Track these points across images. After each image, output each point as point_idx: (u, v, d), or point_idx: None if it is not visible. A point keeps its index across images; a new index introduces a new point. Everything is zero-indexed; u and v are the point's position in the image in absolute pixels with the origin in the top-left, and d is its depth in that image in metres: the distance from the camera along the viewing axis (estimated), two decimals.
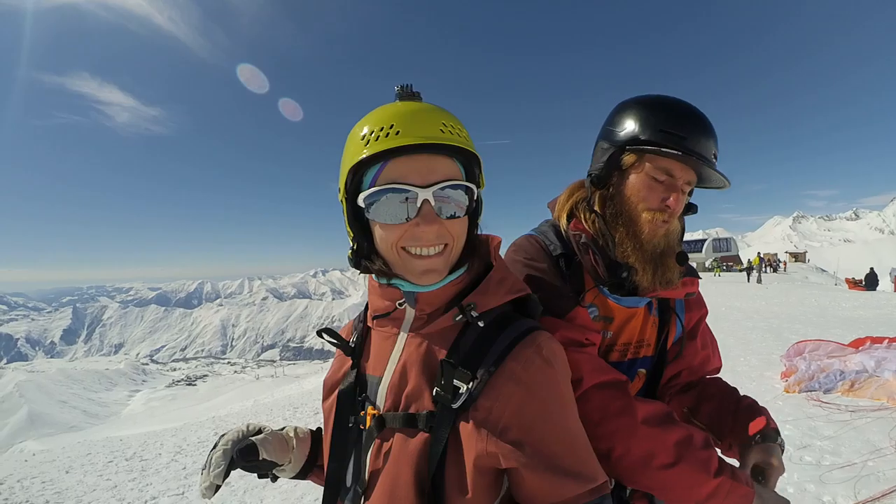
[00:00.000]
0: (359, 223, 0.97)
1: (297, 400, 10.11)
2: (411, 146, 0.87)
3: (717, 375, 1.62)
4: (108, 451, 6.08)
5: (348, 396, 1.05)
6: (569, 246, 1.38)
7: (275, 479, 1.22)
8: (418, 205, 0.89)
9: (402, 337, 1.01)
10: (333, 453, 1.04)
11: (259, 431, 1.19)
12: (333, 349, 1.05)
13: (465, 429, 0.88)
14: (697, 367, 1.53)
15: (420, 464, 0.89)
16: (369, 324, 1.09)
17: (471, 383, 0.87)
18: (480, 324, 0.93)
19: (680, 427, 1.16)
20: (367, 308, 1.13)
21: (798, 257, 50.24)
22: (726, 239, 50.85)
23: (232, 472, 1.10)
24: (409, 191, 0.89)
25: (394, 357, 1.01)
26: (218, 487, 1.08)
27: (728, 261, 46.99)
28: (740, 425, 1.34)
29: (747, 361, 7.92)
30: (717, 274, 37.52)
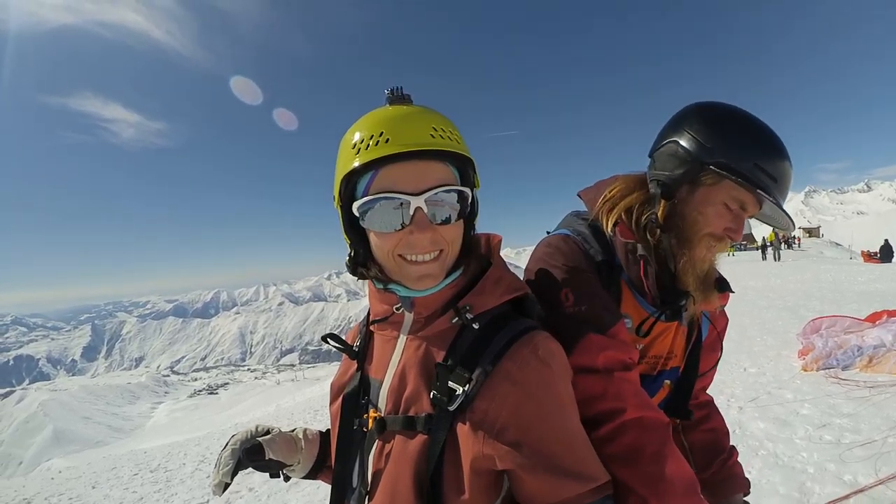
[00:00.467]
0: (355, 230, 0.98)
1: (318, 402, 10.22)
2: (402, 153, 0.88)
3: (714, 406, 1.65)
4: (133, 464, 6.18)
5: (353, 399, 1.09)
6: (610, 251, 1.29)
7: (287, 478, 1.27)
8: (411, 212, 0.90)
9: (402, 340, 1.04)
10: (339, 455, 1.08)
11: (267, 432, 1.22)
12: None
13: (463, 430, 0.90)
14: (708, 377, 1.55)
15: (419, 465, 0.91)
16: (371, 327, 1.12)
17: (467, 385, 0.89)
18: (475, 326, 0.95)
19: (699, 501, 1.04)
20: (369, 312, 1.15)
21: (812, 232, 49.67)
22: None
23: (244, 471, 1.15)
24: (401, 199, 0.89)
25: (394, 360, 1.03)
26: (227, 485, 1.13)
27: (743, 240, 46.51)
28: (722, 483, 1.42)
29: (763, 341, 7.85)
30: (730, 253, 37.05)
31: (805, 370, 6.05)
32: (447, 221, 0.93)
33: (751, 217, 1.26)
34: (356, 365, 1.12)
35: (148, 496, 4.96)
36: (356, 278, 1.05)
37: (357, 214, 0.94)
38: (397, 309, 1.02)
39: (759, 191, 1.13)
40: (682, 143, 1.22)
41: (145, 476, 5.58)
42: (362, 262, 1.01)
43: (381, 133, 0.89)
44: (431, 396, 0.92)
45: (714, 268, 1.32)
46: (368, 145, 0.89)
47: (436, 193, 0.90)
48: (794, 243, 36.76)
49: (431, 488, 0.89)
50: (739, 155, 1.15)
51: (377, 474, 0.98)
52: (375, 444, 0.99)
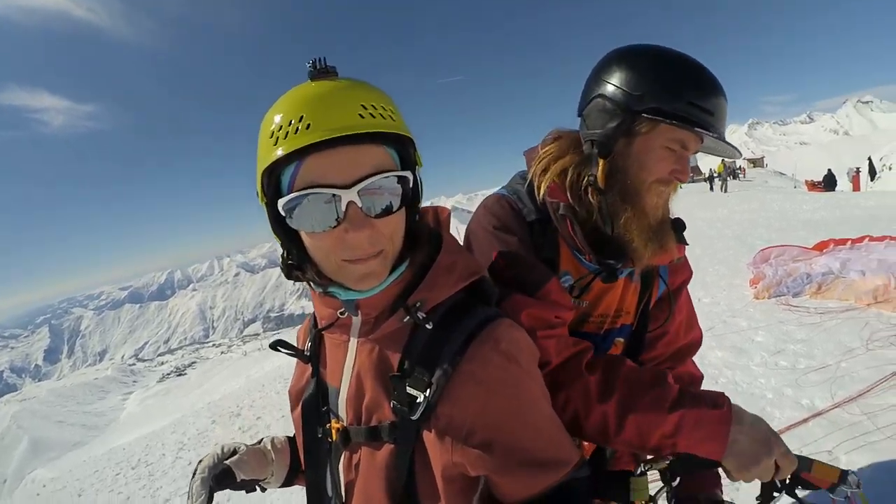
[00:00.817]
0: (284, 229, 0.86)
1: (286, 370, 10.10)
2: (327, 140, 0.76)
3: (696, 371, 1.60)
4: (114, 464, 6.11)
5: (312, 407, 1.02)
6: (544, 211, 1.28)
7: (263, 489, 1.22)
8: (343, 207, 0.79)
9: (353, 343, 0.96)
10: (308, 464, 1.04)
11: (234, 452, 1.16)
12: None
13: (429, 438, 0.85)
14: (673, 335, 1.49)
15: (390, 476, 0.87)
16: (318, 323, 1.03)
17: (427, 391, 0.82)
18: (429, 326, 0.86)
19: (624, 374, 1.12)
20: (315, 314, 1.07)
21: (756, 163, 51.16)
22: None
23: (215, 495, 1.09)
24: (330, 193, 0.78)
25: (347, 366, 0.97)
26: None
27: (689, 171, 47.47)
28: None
29: (716, 271, 8.09)
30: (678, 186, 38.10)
31: (757, 298, 6.24)
32: (387, 212, 0.82)
33: (694, 153, 1.24)
34: (311, 369, 1.06)
35: (134, 494, 4.92)
36: (292, 282, 0.95)
37: (283, 213, 0.82)
38: (342, 313, 0.94)
39: (697, 128, 1.12)
40: (609, 95, 1.18)
41: (128, 474, 5.51)
42: (297, 264, 0.91)
43: (301, 117, 0.77)
44: (392, 406, 0.86)
45: (668, 215, 1.29)
46: (287, 133, 0.77)
47: (371, 182, 0.79)
48: (740, 174, 37.74)
49: (406, 499, 0.86)
50: (670, 96, 1.12)
51: (350, 485, 0.95)
52: (343, 455, 0.96)
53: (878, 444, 2.99)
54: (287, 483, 1.23)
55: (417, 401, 0.82)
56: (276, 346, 1.04)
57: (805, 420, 3.43)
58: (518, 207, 1.30)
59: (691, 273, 1.55)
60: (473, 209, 1.39)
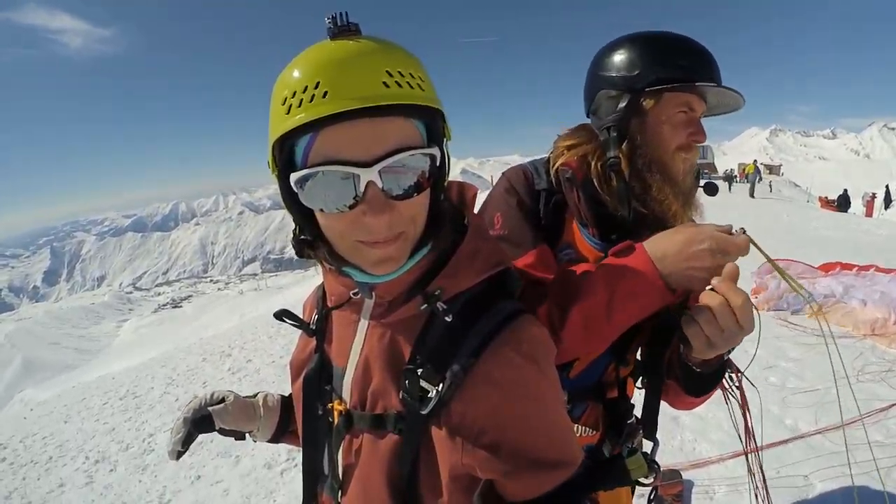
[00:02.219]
0: (296, 205, 0.77)
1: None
2: (346, 112, 0.67)
3: None
4: (102, 392, 6.21)
5: (313, 383, 0.99)
6: (555, 183, 1.34)
7: (255, 440, 1.23)
8: (362, 188, 0.70)
9: (363, 325, 0.91)
10: (306, 441, 1.02)
11: (222, 400, 1.15)
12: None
13: (438, 435, 0.81)
14: None
15: (392, 467, 0.84)
16: (328, 302, 0.97)
17: (440, 385, 0.78)
18: (448, 318, 0.80)
19: (560, 280, 1.16)
20: (324, 286, 1.03)
21: (773, 170, 50.54)
22: (703, 146, 50.60)
23: (200, 437, 1.12)
24: (347, 171, 0.70)
25: (355, 348, 0.92)
26: (181, 453, 1.10)
27: (705, 168, 46.99)
28: None
29: None
30: None
31: (757, 309, 6.21)
32: (410, 193, 0.74)
33: (706, 115, 1.30)
34: (315, 343, 1.02)
35: (119, 426, 5.02)
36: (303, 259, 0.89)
37: (294, 189, 0.74)
38: (354, 294, 0.88)
39: (695, 83, 1.20)
40: (611, 84, 1.28)
41: (115, 405, 5.62)
42: (309, 241, 0.83)
43: (318, 83, 0.67)
44: (401, 397, 0.82)
45: (693, 182, 1.34)
46: (301, 100, 0.68)
47: (394, 161, 0.70)
48: (757, 179, 37.30)
49: (407, 491, 0.84)
50: (661, 65, 1.22)
51: (349, 468, 0.93)
52: (343, 437, 0.93)
53: (854, 477, 3.01)
54: (273, 440, 1.22)
55: (429, 395, 0.78)
56: (282, 316, 0.99)
57: (786, 441, 3.46)
58: (531, 176, 1.37)
59: None
60: (484, 174, 1.44)
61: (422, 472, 0.83)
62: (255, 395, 1.24)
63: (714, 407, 4.05)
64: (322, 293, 1.04)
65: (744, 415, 1.43)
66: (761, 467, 1.51)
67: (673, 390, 1.26)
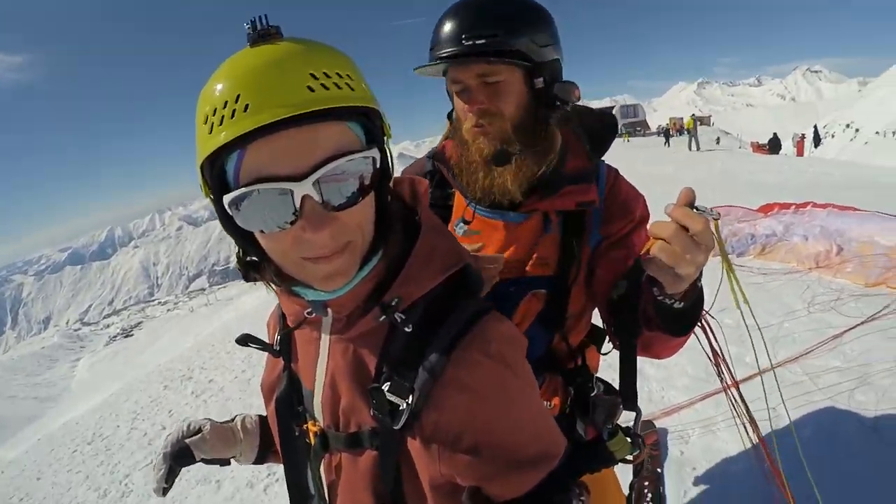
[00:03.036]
0: (235, 227, 0.72)
1: (235, 328, 9.97)
2: (271, 123, 0.62)
3: None
4: (70, 440, 5.96)
5: (286, 404, 0.96)
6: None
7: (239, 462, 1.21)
8: (298, 203, 0.66)
9: (325, 342, 0.88)
10: (287, 463, 0.99)
11: (199, 431, 1.12)
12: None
13: (415, 446, 0.78)
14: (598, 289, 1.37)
15: (376, 482, 0.83)
16: (288, 322, 0.93)
17: (409, 397, 0.75)
18: (408, 329, 0.77)
19: None
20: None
21: (703, 121, 52.49)
22: (633, 105, 52.36)
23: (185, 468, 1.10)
24: (279, 187, 0.65)
25: (320, 366, 0.89)
26: (166, 489, 1.07)
27: (637, 126, 47.83)
28: None
29: None
30: (626, 140, 38.84)
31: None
32: (352, 201, 0.70)
33: (483, 76, 1.20)
34: (282, 363, 0.99)
35: (93, 472, 4.82)
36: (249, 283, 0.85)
37: (229, 212, 0.69)
38: (309, 313, 0.84)
39: (441, 61, 1.21)
40: None
41: (84, 451, 5.39)
42: (253, 263, 0.81)
43: (238, 96, 0.63)
44: (372, 414, 0.78)
45: (495, 151, 1.24)
46: (223, 117, 0.64)
47: (330, 169, 0.66)
48: (685, 132, 38.59)
49: (394, 502, 0.82)
50: (431, 43, 1.26)
51: (332, 486, 0.92)
52: (322, 458, 0.92)
53: (818, 403, 3.20)
54: (258, 461, 1.20)
55: (400, 408, 0.75)
56: (245, 341, 0.94)
57: (750, 377, 3.63)
58: (423, 162, 1.48)
59: (640, 216, 1.38)
60: (420, 156, 1.53)
61: (405, 484, 0.81)
62: (232, 419, 1.20)
63: (676, 355, 4.17)
64: (281, 315, 1.00)
65: (715, 353, 1.46)
66: (743, 399, 1.56)
67: (657, 340, 1.19)
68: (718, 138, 32.92)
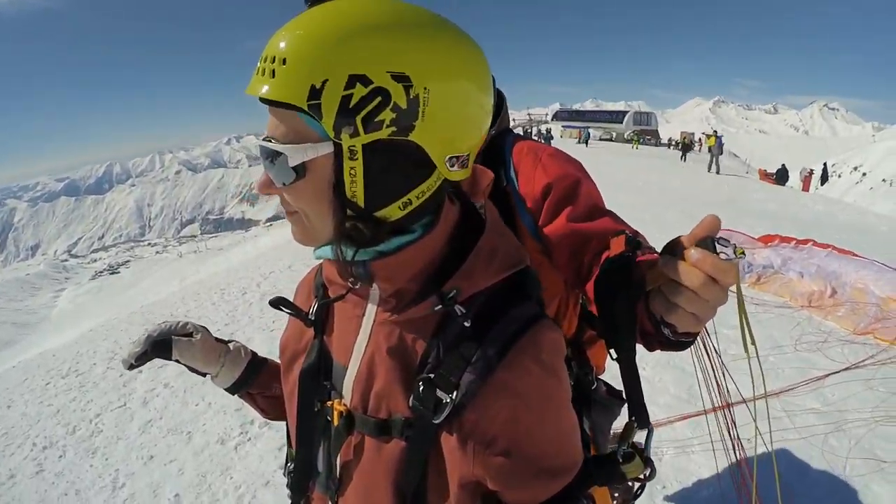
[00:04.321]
0: None
1: (224, 280, 9.90)
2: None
3: None
4: (44, 372, 5.90)
5: (312, 377, 0.93)
6: None
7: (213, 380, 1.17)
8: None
9: (369, 320, 0.85)
10: (300, 437, 0.97)
11: (190, 334, 1.10)
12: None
13: (448, 442, 0.77)
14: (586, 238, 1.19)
15: (398, 475, 0.81)
16: (330, 291, 0.91)
17: (454, 393, 0.74)
18: (467, 324, 0.76)
19: None
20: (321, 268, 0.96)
21: (710, 139, 52.70)
22: (648, 113, 51.64)
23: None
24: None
25: (359, 345, 0.86)
26: (133, 365, 1.05)
27: (647, 135, 47.30)
28: None
29: (662, 239, 8.36)
30: (635, 147, 38.67)
31: None
32: (281, 183, 0.72)
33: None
34: (313, 333, 0.96)
35: (64, 407, 4.79)
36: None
37: None
38: (352, 282, 0.81)
39: None
40: None
41: (58, 384, 5.35)
42: None
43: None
44: (411, 404, 0.78)
45: None
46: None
47: (261, 150, 0.72)
48: (696, 147, 38.43)
49: (414, 498, 0.81)
50: None
51: (346, 468, 0.90)
52: (345, 439, 0.88)
53: (792, 442, 3.24)
54: (231, 391, 1.17)
55: (443, 402, 0.74)
56: (278, 304, 0.93)
57: (729, 405, 3.66)
58: None
59: (564, 192, 1.18)
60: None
61: (430, 478, 0.80)
62: (228, 342, 1.17)
63: (661, 370, 4.21)
64: (319, 276, 0.98)
65: (713, 375, 1.40)
66: (734, 422, 1.54)
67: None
68: (692, 143, 32.81)
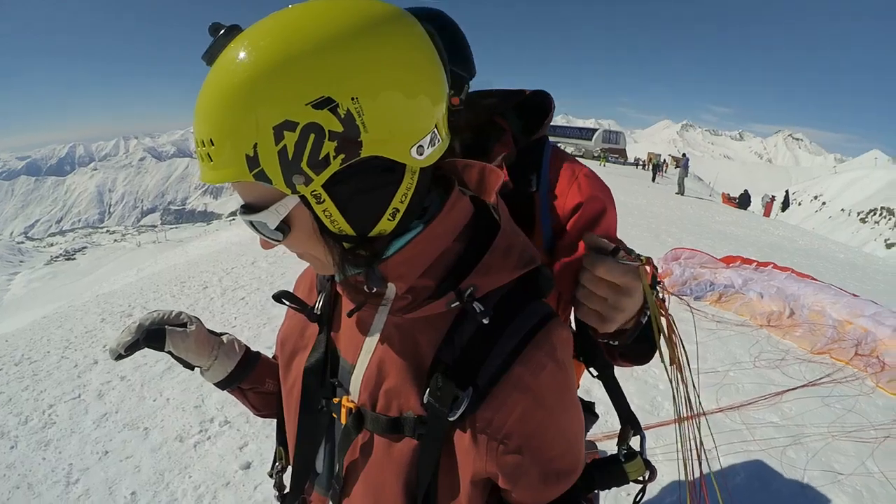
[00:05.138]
0: None
1: (184, 273, 9.60)
2: None
3: None
4: None
5: (317, 374, 0.91)
6: None
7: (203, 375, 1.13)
8: None
9: (381, 316, 0.84)
10: (301, 436, 0.95)
11: (184, 325, 1.06)
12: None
13: (462, 440, 0.77)
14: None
15: (409, 474, 0.80)
16: (338, 288, 0.87)
17: (469, 390, 0.74)
18: (485, 321, 0.74)
19: None
20: None
21: (679, 162, 54.37)
22: (616, 132, 53.89)
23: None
24: None
25: (369, 342, 0.85)
26: (122, 356, 0.99)
27: (615, 153, 49.49)
28: None
29: None
30: (602, 164, 40.45)
31: (668, 292, 6.50)
32: (273, 240, 0.72)
33: None
34: (319, 329, 0.94)
35: (16, 395, 4.55)
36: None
37: None
38: (369, 288, 0.79)
39: None
40: None
41: (10, 371, 5.08)
42: None
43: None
44: (425, 402, 0.76)
45: None
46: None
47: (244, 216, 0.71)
48: (663, 170, 39.70)
49: (425, 498, 0.80)
50: None
51: (352, 468, 0.87)
52: (354, 438, 0.86)
53: (753, 453, 3.36)
54: (222, 386, 1.12)
55: (458, 399, 0.73)
56: (281, 297, 0.92)
57: (690, 417, 3.76)
58: None
59: (591, 215, 1.20)
60: None
61: (441, 477, 0.79)
62: (222, 334, 1.13)
63: (624, 382, 4.26)
64: (327, 276, 0.95)
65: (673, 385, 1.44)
66: (701, 432, 1.60)
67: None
68: (658, 165, 33.87)
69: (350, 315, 0.83)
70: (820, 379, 4.43)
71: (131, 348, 0.99)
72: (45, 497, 3.22)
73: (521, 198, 1.21)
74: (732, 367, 4.66)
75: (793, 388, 4.23)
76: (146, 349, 1.01)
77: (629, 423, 1.08)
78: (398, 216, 0.72)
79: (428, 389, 0.76)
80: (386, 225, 0.72)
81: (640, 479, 1.01)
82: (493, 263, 0.78)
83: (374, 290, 0.79)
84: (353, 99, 0.59)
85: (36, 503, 3.19)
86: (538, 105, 1.33)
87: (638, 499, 1.06)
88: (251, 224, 0.70)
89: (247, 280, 8.13)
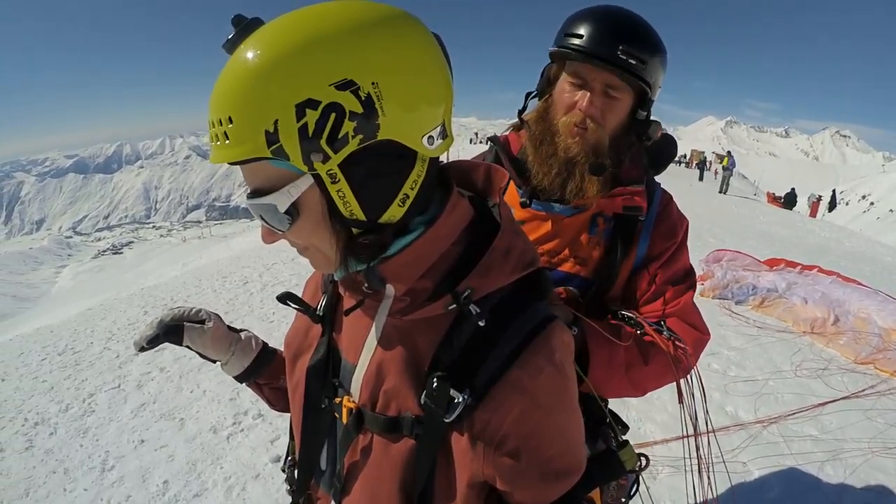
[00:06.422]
0: None
1: (226, 268, 9.85)
2: None
3: None
4: (41, 347, 5.87)
5: (319, 374, 0.93)
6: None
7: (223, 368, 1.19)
8: None
9: (380, 317, 0.84)
10: (305, 434, 0.97)
11: (202, 322, 1.10)
12: None
13: (459, 442, 0.78)
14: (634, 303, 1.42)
15: (405, 473, 0.81)
16: (340, 290, 0.91)
17: (466, 391, 0.74)
18: (481, 323, 0.74)
19: None
20: None
21: (723, 159, 53.08)
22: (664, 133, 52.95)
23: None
24: None
25: (369, 343, 0.85)
26: (144, 348, 1.05)
27: (681, 155, 48.86)
28: None
29: None
30: None
31: (702, 295, 6.38)
32: (279, 229, 0.72)
33: (611, 88, 1.27)
34: (321, 329, 0.95)
35: (58, 384, 4.77)
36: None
37: None
38: (367, 289, 0.81)
39: (566, 50, 1.25)
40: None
41: (54, 361, 5.33)
42: None
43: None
44: (422, 403, 0.77)
45: (588, 156, 1.31)
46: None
47: (247, 204, 0.72)
48: (709, 167, 38.71)
49: (421, 498, 0.80)
50: (563, 32, 1.28)
51: (352, 466, 0.89)
52: (354, 437, 0.87)
53: (789, 467, 3.22)
54: (240, 379, 1.17)
55: (455, 401, 0.74)
56: (285, 299, 0.94)
57: (727, 427, 3.63)
58: (485, 152, 1.57)
59: (678, 240, 1.45)
60: (479, 131, 1.53)
61: (437, 479, 0.80)
62: (240, 331, 1.18)
63: (660, 389, 4.18)
64: (331, 278, 0.98)
65: (681, 400, 1.51)
66: (698, 450, 1.59)
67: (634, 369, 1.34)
68: (702, 165, 32.83)
69: (347, 313, 0.85)
70: (863, 390, 4.22)
71: (153, 342, 1.05)
72: (80, 482, 3.35)
73: (629, 220, 1.37)
74: (772, 375, 4.47)
75: (834, 400, 4.05)
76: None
77: (617, 421, 1.13)
78: (408, 203, 0.73)
79: (424, 391, 0.77)
80: (396, 211, 0.72)
81: (636, 468, 1.03)
82: (491, 265, 0.78)
83: (372, 290, 0.81)
84: (373, 83, 0.61)
85: (71, 488, 3.32)
86: (665, 145, 1.52)
87: (633, 490, 1.05)
88: (258, 209, 0.70)
89: (286, 276, 8.29)
